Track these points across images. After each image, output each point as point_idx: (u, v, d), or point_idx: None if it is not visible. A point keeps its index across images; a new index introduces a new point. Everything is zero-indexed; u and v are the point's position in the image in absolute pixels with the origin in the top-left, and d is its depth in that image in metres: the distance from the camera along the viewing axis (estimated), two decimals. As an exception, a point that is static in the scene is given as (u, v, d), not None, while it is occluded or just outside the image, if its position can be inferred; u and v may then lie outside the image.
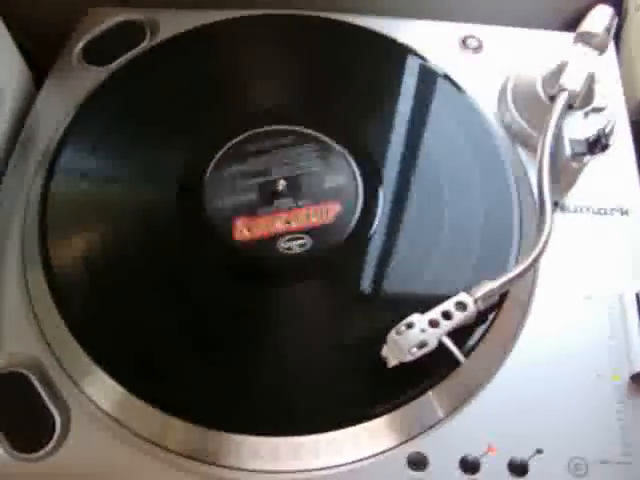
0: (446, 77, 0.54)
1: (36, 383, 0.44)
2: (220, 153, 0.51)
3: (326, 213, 0.48)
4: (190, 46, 0.56)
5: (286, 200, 0.49)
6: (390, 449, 0.42)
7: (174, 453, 0.43)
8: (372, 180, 0.50)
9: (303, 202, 0.49)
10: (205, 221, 0.48)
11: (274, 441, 0.42)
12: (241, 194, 0.49)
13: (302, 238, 0.48)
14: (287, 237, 0.48)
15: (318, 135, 0.52)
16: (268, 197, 0.49)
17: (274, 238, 0.48)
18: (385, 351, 0.42)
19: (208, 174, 0.50)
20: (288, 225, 0.48)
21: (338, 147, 0.51)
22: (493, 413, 0.43)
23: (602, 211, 0.50)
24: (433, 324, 0.42)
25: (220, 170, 0.50)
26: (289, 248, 0.47)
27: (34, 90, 0.58)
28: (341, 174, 0.50)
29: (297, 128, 0.52)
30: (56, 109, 0.55)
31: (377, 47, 0.56)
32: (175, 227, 0.48)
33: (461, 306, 0.42)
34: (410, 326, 0.41)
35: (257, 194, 0.49)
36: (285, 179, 0.49)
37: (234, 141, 0.51)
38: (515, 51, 0.57)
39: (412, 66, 0.55)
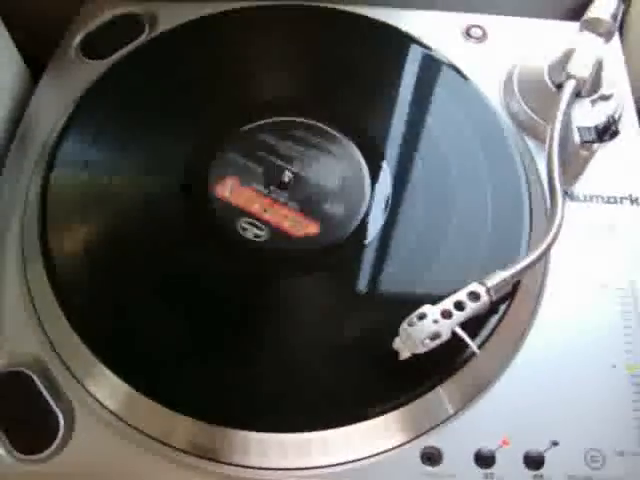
0: (452, 67, 0.53)
1: (38, 382, 0.43)
2: (225, 142, 0.50)
3: (301, 228, 0.47)
4: (190, 37, 0.55)
5: (281, 192, 0.48)
6: (404, 444, 0.42)
7: (179, 451, 0.42)
8: (379, 173, 0.49)
9: (293, 204, 0.48)
10: (209, 211, 0.47)
11: (282, 438, 0.41)
12: (250, 161, 0.49)
13: (262, 230, 0.47)
14: (251, 220, 0.47)
15: (327, 128, 0.51)
16: (269, 180, 0.49)
17: (243, 214, 0.47)
18: (397, 343, 0.41)
19: (214, 161, 0.49)
20: (263, 212, 0.47)
21: (347, 140, 0.50)
22: (507, 405, 0.43)
23: (612, 200, 0.50)
24: (445, 315, 0.41)
25: (225, 157, 0.50)
26: (245, 229, 0.47)
27: (31, 85, 0.57)
28: (349, 197, 0.49)
29: (305, 120, 0.51)
30: (54, 103, 0.54)
31: (383, 37, 0.55)
32: (179, 219, 0.47)
33: (474, 296, 0.41)
34: (422, 317, 0.40)
35: (263, 170, 0.49)
36: (293, 174, 0.49)
37: (241, 129, 0.51)
38: (519, 40, 0.56)
39: (419, 57, 0.54)
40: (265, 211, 0.48)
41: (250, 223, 0.47)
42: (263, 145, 0.50)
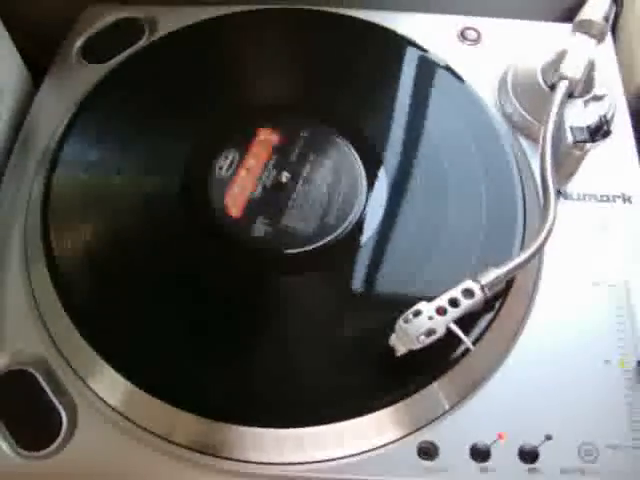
0: (447, 69, 0.54)
1: (41, 381, 0.44)
2: (226, 141, 0.51)
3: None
4: (190, 41, 0.56)
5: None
6: (400, 439, 0.42)
7: (181, 447, 0.42)
8: (376, 174, 0.50)
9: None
10: (208, 211, 0.48)
11: (280, 433, 0.42)
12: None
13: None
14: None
15: (324, 128, 0.52)
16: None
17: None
18: (393, 340, 0.41)
19: (214, 161, 0.50)
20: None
21: (343, 141, 0.51)
22: (502, 401, 0.43)
23: (605, 198, 0.51)
24: (440, 311, 0.41)
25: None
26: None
27: (33, 89, 0.58)
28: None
29: (303, 120, 0.52)
30: (55, 107, 0.55)
31: (379, 40, 0.56)
32: (180, 218, 0.48)
33: (468, 293, 0.42)
34: (418, 314, 0.41)
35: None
36: (291, 175, 0.50)
37: (240, 131, 0.51)
38: (513, 42, 0.57)
39: (414, 58, 0.55)
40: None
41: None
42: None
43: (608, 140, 0.50)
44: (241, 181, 0.50)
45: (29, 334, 0.45)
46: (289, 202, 0.49)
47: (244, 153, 0.51)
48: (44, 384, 0.44)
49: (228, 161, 0.50)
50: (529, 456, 0.42)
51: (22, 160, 0.53)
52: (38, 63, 0.59)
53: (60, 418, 0.43)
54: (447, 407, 0.43)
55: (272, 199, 0.49)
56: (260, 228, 0.48)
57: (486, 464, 0.42)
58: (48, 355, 0.45)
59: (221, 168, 0.50)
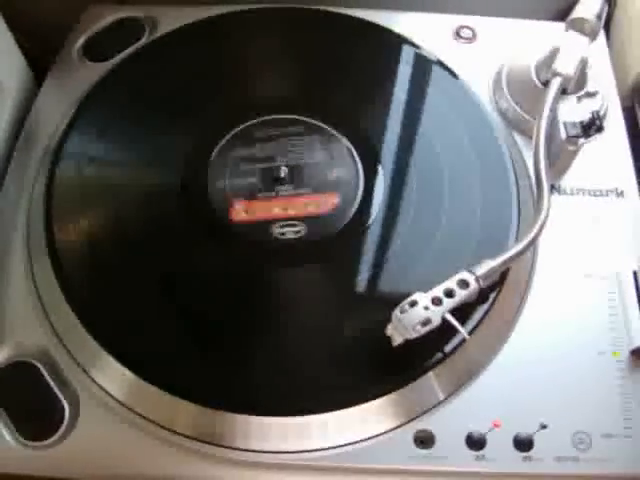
0: (443, 66, 0.55)
1: (44, 372, 0.45)
2: (225, 138, 0.52)
3: (325, 203, 0.49)
4: (189, 40, 0.57)
5: (287, 187, 0.50)
6: (396, 428, 0.43)
7: (183, 436, 0.43)
8: (373, 169, 0.51)
9: (303, 190, 0.50)
10: (207, 204, 0.49)
11: (282, 421, 0.43)
12: (243, 177, 0.50)
13: (297, 225, 0.48)
14: (282, 223, 0.48)
15: (320, 124, 0.53)
16: (269, 182, 0.50)
17: (270, 223, 0.48)
18: (390, 329, 0.42)
19: (212, 158, 0.51)
20: (285, 211, 0.49)
21: (340, 136, 0.52)
22: (497, 390, 0.44)
23: (598, 193, 0.51)
24: (436, 302, 0.42)
25: (224, 155, 0.51)
26: (283, 234, 0.48)
27: (35, 87, 0.59)
28: (343, 165, 0.51)
29: (300, 117, 0.53)
30: (57, 106, 0.55)
31: (374, 38, 0.57)
32: (180, 212, 0.49)
33: (463, 284, 0.43)
34: (414, 304, 0.42)
35: (259, 178, 0.50)
36: (287, 166, 0.50)
37: (239, 127, 0.52)
38: (508, 41, 0.58)
39: (410, 56, 0.56)
40: (286, 209, 0.49)
41: (283, 226, 0.48)
42: (242, 156, 0.51)
43: (601, 136, 0.51)
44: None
45: (32, 326, 0.46)
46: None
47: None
48: (47, 375, 0.44)
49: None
50: (524, 444, 0.43)
51: (24, 157, 0.54)
52: (40, 62, 0.60)
53: (63, 408, 0.44)
54: (443, 396, 0.44)
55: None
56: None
57: (482, 452, 0.42)
58: (51, 347, 0.46)
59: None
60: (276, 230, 0.48)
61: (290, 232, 0.48)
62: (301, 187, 0.50)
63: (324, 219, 0.49)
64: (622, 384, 0.44)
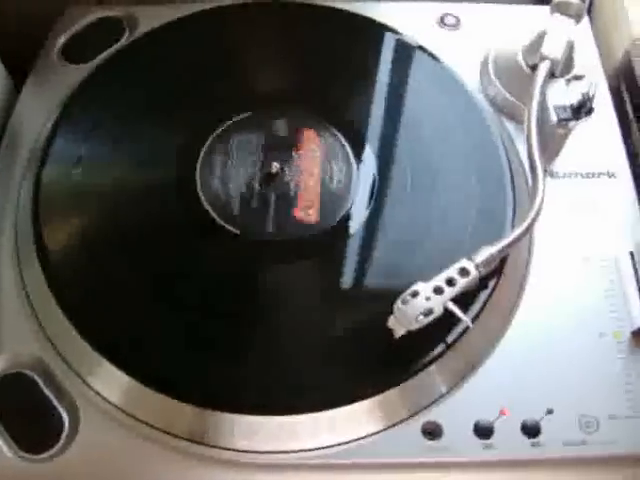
0: (430, 55, 0.55)
1: (41, 383, 0.44)
2: (211, 136, 0.51)
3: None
4: (171, 38, 0.56)
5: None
6: (404, 420, 0.43)
7: (184, 440, 0.42)
8: (364, 160, 0.50)
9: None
10: (198, 202, 0.48)
11: (287, 420, 0.42)
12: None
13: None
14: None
15: (310, 116, 0.52)
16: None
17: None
18: (392, 321, 0.42)
19: (199, 157, 0.50)
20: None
21: (329, 126, 0.52)
22: (502, 378, 0.44)
23: (590, 175, 0.51)
24: (437, 291, 0.42)
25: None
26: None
27: (15, 93, 0.57)
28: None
29: (286, 110, 0.52)
30: (39, 109, 0.54)
31: (360, 29, 0.56)
32: (171, 211, 0.48)
33: (463, 272, 0.43)
34: (415, 295, 0.42)
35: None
36: (282, 164, 0.50)
37: (225, 125, 0.52)
38: (493, 26, 0.58)
39: (397, 46, 0.56)
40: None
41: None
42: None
43: (590, 118, 0.50)
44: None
45: (25, 336, 0.45)
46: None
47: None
48: (43, 386, 0.43)
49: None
50: (532, 431, 0.42)
51: (8, 164, 0.52)
52: (17, 66, 0.59)
53: (61, 419, 0.43)
54: (448, 387, 0.43)
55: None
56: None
57: (490, 441, 0.42)
58: (46, 356, 0.44)
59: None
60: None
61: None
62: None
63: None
64: (625, 365, 0.44)
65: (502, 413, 0.43)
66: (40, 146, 0.51)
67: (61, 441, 0.42)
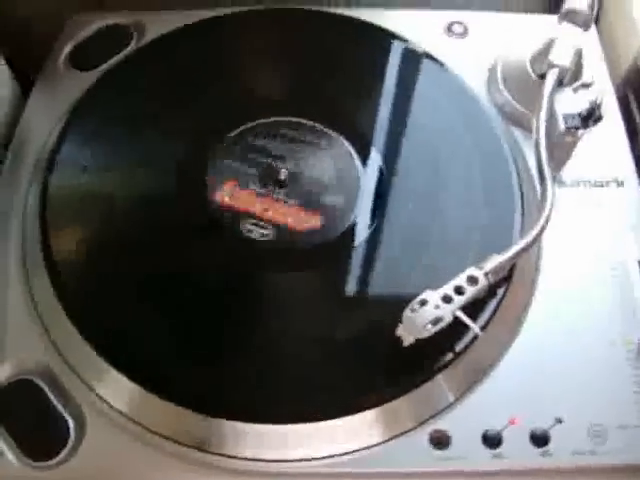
0: (438, 62, 0.55)
1: (46, 389, 0.43)
2: (218, 143, 0.51)
3: (303, 222, 0.48)
4: (177, 45, 0.56)
5: (279, 190, 0.49)
6: (412, 429, 0.42)
7: (191, 448, 0.42)
8: (372, 167, 0.50)
9: (292, 200, 0.49)
10: (206, 212, 0.48)
11: (291, 429, 0.42)
12: (245, 163, 0.50)
13: (267, 229, 0.48)
14: (254, 221, 0.48)
15: (318, 125, 0.52)
16: (266, 178, 0.50)
17: (245, 216, 0.48)
18: (400, 330, 0.41)
19: (207, 165, 0.50)
20: (265, 212, 0.48)
21: (337, 136, 0.51)
22: (511, 387, 0.43)
23: (598, 183, 0.51)
24: (446, 300, 0.42)
25: (219, 160, 0.51)
26: (250, 231, 0.48)
27: (22, 100, 0.57)
28: (342, 165, 0.50)
29: (295, 119, 0.52)
30: (46, 116, 0.54)
31: (367, 36, 0.56)
32: (178, 221, 0.48)
33: (472, 280, 0.42)
34: (424, 303, 0.41)
35: (258, 171, 0.50)
36: (289, 172, 0.50)
37: (232, 132, 0.52)
38: (500, 35, 0.58)
39: (405, 53, 0.56)
40: (266, 210, 0.48)
41: (254, 224, 0.48)
42: (255, 146, 0.51)
43: (598, 126, 0.50)
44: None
45: (32, 342, 0.45)
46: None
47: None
48: (49, 393, 0.43)
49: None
50: (541, 440, 0.42)
51: (15, 171, 0.52)
52: (25, 74, 0.59)
53: (67, 426, 0.42)
54: (457, 396, 0.43)
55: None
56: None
57: (499, 450, 0.42)
58: (52, 363, 0.44)
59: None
60: (246, 225, 0.48)
61: (257, 233, 0.47)
62: (291, 197, 0.49)
63: (294, 235, 0.48)
64: (635, 374, 0.44)
65: (511, 422, 0.42)
66: (47, 153, 0.51)
67: (67, 448, 0.42)
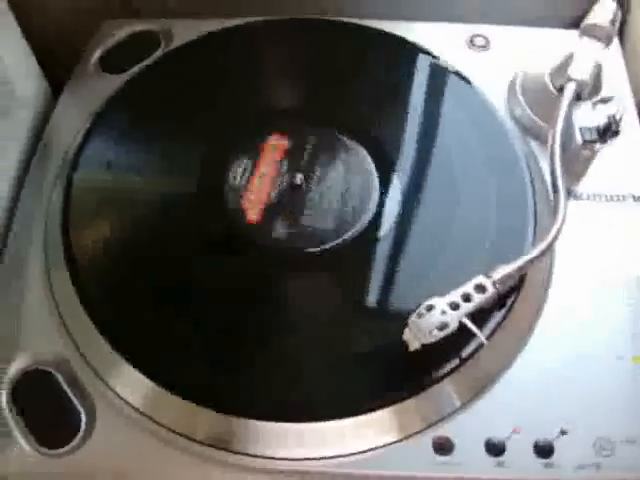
0: (458, 74, 0.55)
1: (61, 380, 0.45)
2: (240, 147, 0.52)
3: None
4: (203, 51, 0.58)
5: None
6: (415, 434, 0.43)
7: (201, 444, 0.43)
8: (388, 177, 0.51)
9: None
10: (224, 209, 0.49)
11: (300, 428, 0.42)
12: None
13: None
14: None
15: (337, 135, 0.53)
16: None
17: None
18: (407, 334, 0.42)
19: (228, 165, 0.51)
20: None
21: (356, 145, 0.52)
22: (516, 396, 0.43)
23: (615, 198, 0.51)
24: (453, 306, 0.42)
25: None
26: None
27: (52, 100, 0.59)
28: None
29: (315, 127, 0.53)
30: (75, 117, 0.56)
31: (390, 47, 0.57)
32: (198, 222, 0.49)
33: (480, 288, 0.43)
34: (430, 309, 0.42)
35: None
36: (306, 178, 0.51)
37: (255, 137, 0.53)
38: (521, 49, 0.58)
39: (425, 65, 0.56)
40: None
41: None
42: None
43: (616, 141, 0.50)
44: (256, 184, 0.51)
45: (49, 335, 0.46)
46: (305, 203, 0.50)
47: (258, 157, 0.52)
48: (64, 383, 0.44)
49: (242, 166, 0.51)
50: (544, 451, 0.42)
51: (42, 168, 0.54)
52: (55, 78, 0.61)
53: (79, 416, 0.43)
54: (461, 402, 0.43)
55: (288, 201, 0.50)
56: (278, 229, 0.49)
57: (501, 459, 0.42)
58: (68, 355, 0.45)
59: (236, 173, 0.51)
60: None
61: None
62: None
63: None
64: (642, 389, 0.44)
65: (515, 431, 0.42)
66: (73, 153, 0.52)
67: (78, 437, 0.43)
